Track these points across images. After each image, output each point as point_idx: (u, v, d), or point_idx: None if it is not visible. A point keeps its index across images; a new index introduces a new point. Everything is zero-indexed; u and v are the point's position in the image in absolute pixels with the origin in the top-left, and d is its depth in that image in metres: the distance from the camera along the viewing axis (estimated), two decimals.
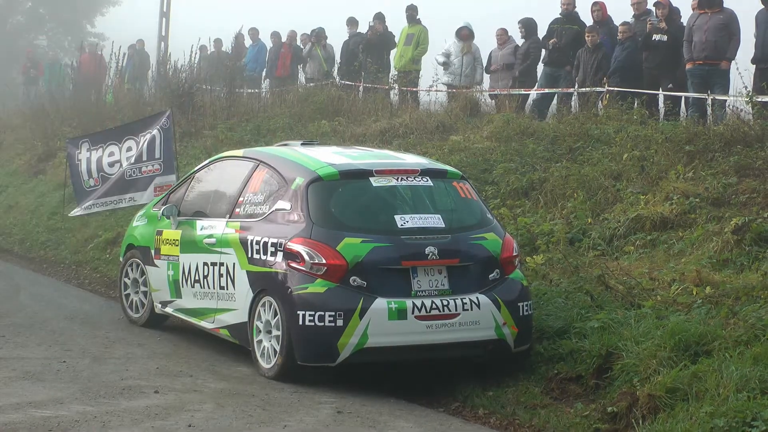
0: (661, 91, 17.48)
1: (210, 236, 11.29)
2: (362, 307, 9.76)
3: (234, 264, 10.84)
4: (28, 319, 13.02)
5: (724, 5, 16.62)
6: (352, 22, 24.54)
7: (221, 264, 11.05)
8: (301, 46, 26.02)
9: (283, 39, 26.59)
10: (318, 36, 25.09)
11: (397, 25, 23.37)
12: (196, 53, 26.03)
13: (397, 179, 10.60)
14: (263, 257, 10.41)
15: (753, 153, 13.59)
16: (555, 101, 19.56)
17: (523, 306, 10.33)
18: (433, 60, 22.10)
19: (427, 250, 10.03)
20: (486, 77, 21.46)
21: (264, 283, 10.40)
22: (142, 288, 12.82)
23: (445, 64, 21.35)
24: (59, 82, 32.29)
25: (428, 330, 9.90)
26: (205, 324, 11.42)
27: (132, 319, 12.95)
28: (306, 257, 9.95)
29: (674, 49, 17.34)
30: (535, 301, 10.94)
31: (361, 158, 11.15)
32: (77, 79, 29.99)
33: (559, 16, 19.68)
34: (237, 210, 11.17)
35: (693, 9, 16.91)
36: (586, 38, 18.55)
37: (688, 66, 16.73)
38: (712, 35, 16.37)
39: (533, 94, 19.52)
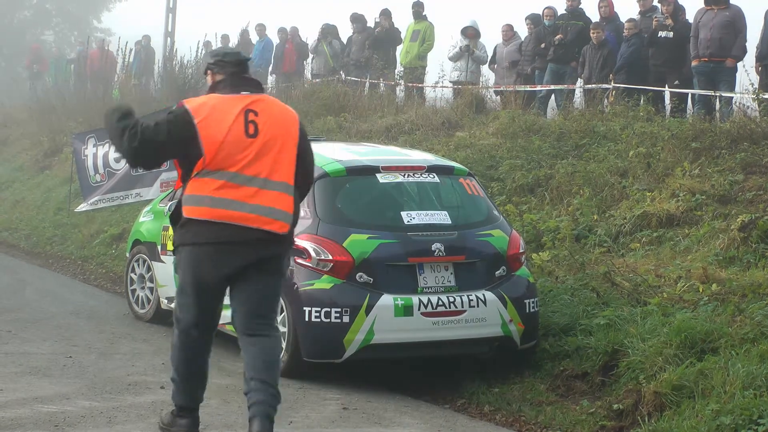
0: (667, 88, 17.47)
1: None
2: (368, 303, 9.76)
3: None
4: (34, 315, 13.03)
5: (731, 2, 16.58)
6: (355, 19, 24.49)
7: None
8: (307, 42, 26.04)
9: (285, 36, 26.70)
10: (324, 32, 25.08)
11: (403, 21, 23.40)
12: (202, 49, 26.05)
13: (404, 175, 10.59)
14: None
15: (759, 150, 13.58)
16: (553, 98, 19.59)
17: (529, 303, 10.32)
18: (438, 56, 22.11)
19: (434, 246, 10.02)
20: (491, 73, 21.50)
21: None
22: (149, 284, 12.84)
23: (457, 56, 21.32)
24: (65, 77, 32.37)
25: (434, 327, 9.91)
26: None
27: (138, 315, 12.97)
28: (312, 253, 9.96)
29: (680, 45, 17.32)
30: (541, 298, 10.94)
31: (367, 154, 11.15)
32: (82, 74, 30.04)
33: (564, 12, 19.69)
34: None
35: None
36: (591, 35, 18.55)
37: (693, 63, 16.71)
38: (717, 32, 16.33)
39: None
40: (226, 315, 11.02)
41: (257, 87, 7.59)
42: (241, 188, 7.19)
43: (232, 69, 7.54)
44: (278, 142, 7.31)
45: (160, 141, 7.21)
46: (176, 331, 7.61)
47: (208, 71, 7.68)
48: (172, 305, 12.11)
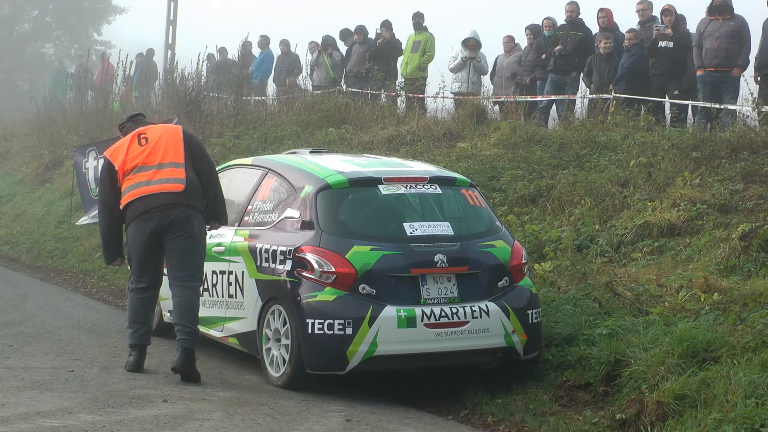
0: (667, 99, 17.49)
1: (219, 244, 11.30)
2: (371, 315, 9.76)
3: (243, 272, 10.86)
4: (36, 328, 13.04)
5: (735, 12, 16.59)
6: (354, 31, 24.48)
7: (230, 272, 11.07)
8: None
9: (286, 48, 26.81)
10: (325, 43, 25.09)
11: (403, 32, 23.40)
12: (203, 61, 26.05)
13: (406, 187, 10.60)
14: (272, 265, 10.43)
15: (759, 159, 13.61)
16: (554, 108, 19.60)
17: (532, 313, 10.32)
18: (439, 67, 22.11)
19: (436, 257, 10.03)
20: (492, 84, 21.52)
21: (273, 292, 10.41)
22: None
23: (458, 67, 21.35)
24: (64, 90, 32.38)
25: (437, 338, 9.90)
26: (213, 332, 11.43)
27: None
28: (315, 265, 9.96)
29: (680, 55, 17.37)
30: (544, 308, 10.93)
31: (369, 166, 11.15)
32: (82, 87, 30.06)
33: (564, 22, 19.72)
34: (246, 218, 11.20)
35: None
36: (602, 45, 18.52)
37: (699, 72, 16.71)
38: (724, 42, 16.35)
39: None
40: (229, 327, 11.10)
41: (149, 124, 11.19)
42: (146, 173, 10.49)
43: (129, 123, 11.21)
44: (164, 141, 10.63)
45: (102, 186, 10.88)
46: (129, 289, 10.79)
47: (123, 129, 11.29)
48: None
